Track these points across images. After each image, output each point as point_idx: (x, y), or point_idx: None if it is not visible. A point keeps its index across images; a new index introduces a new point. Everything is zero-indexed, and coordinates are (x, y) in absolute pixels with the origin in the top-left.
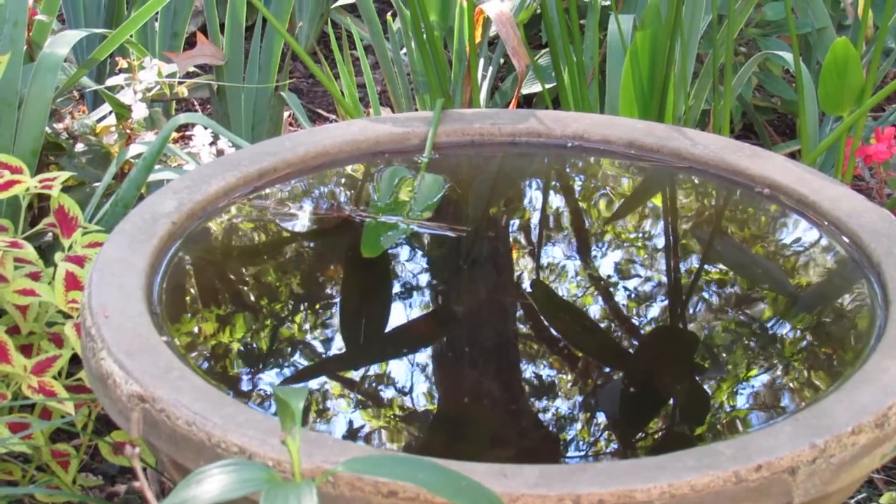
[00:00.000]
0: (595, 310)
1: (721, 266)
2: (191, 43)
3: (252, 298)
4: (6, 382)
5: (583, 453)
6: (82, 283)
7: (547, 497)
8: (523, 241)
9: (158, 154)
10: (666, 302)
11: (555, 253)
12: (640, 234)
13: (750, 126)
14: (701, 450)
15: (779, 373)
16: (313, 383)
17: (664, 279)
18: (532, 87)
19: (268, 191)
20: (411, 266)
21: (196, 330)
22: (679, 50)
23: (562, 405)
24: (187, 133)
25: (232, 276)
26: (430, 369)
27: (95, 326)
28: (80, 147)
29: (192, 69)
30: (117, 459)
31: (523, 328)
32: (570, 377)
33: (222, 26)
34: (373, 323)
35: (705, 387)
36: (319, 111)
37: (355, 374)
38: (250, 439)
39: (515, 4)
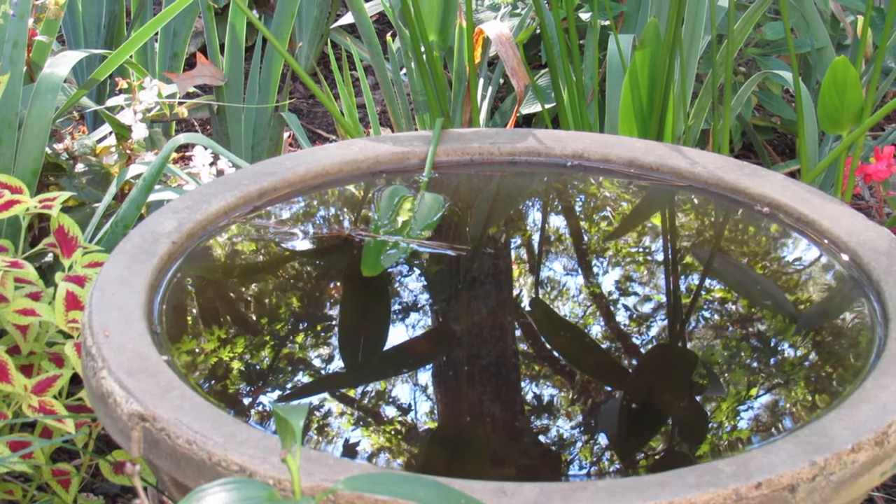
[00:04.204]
0: (595, 328)
1: (721, 284)
2: (191, 63)
3: (252, 317)
4: (7, 402)
5: (583, 471)
6: (83, 303)
7: None
8: (523, 259)
9: (158, 174)
10: (666, 320)
11: (554, 271)
12: (640, 253)
13: (749, 145)
14: (701, 467)
15: (779, 390)
16: (313, 401)
17: (664, 298)
18: (532, 107)
19: (268, 210)
20: (411, 285)
21: (196, 349)
22: (678, 69)
23: (562, 423)
24: (187, 153)
25: (232, 296)
26: (430, 388)
27: (96, 346)
28: (80, 167)
29: (192, 89)
30: (118, 478)
31: (523, 346)
32: (570, 395)
33: (222, 47)
34: (373, 341)
35: (705, 405)
36: (319, 131)
37: (355, 393)
38: (251, 458)
39: (515, 24)
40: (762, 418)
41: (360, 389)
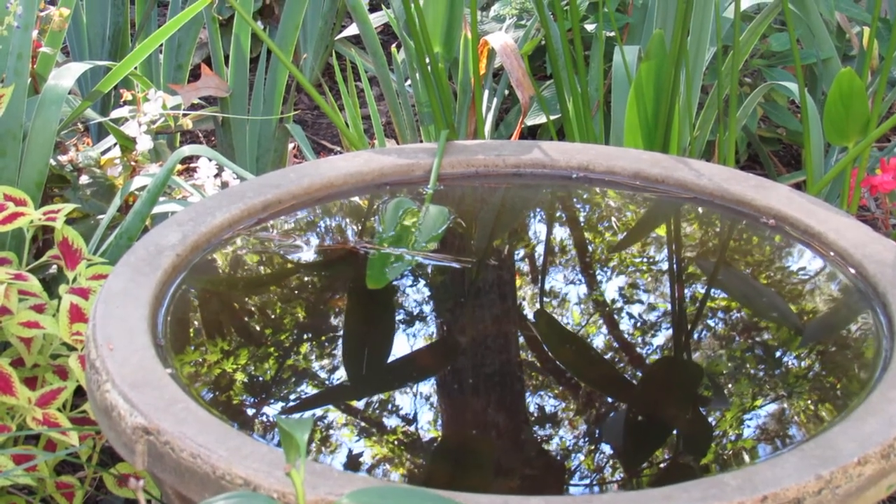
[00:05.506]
0: (600, 340)
1: (726, 296)
2: (195, 75)
3: (256, 330)
4: (11, 414)
5: (588, 484)
6: (87, 316)
7: None
8: (527, 271)
9: (163, 186)
10: (671, 332)
11: (559, 283)
12: (646, 265)
13: (755, 157)
14: (706, 481)
15: (784, 403)
16: (318, 414)
17: (669, 309)
18: (537, 119)
19: (272, 223)
20: (416, 297)
21: (200, 362)
22: (684, 81)
23: (567, 435)
24: (192, 165)
25: (236, 308)
26: (434, 400)
27: (100, 359)
28: (84, 179)
29: (196, 101)
30: (122, 491)
31: (527, 358)
32: (574, 407)
33: (227, 58)
34: (377, 354)
35: (710, 417)
36: (324, 143)
37: (360, 405)
38: (255, 471)
39: (520, 36)
40: (767, 431)
41: (364, 401)
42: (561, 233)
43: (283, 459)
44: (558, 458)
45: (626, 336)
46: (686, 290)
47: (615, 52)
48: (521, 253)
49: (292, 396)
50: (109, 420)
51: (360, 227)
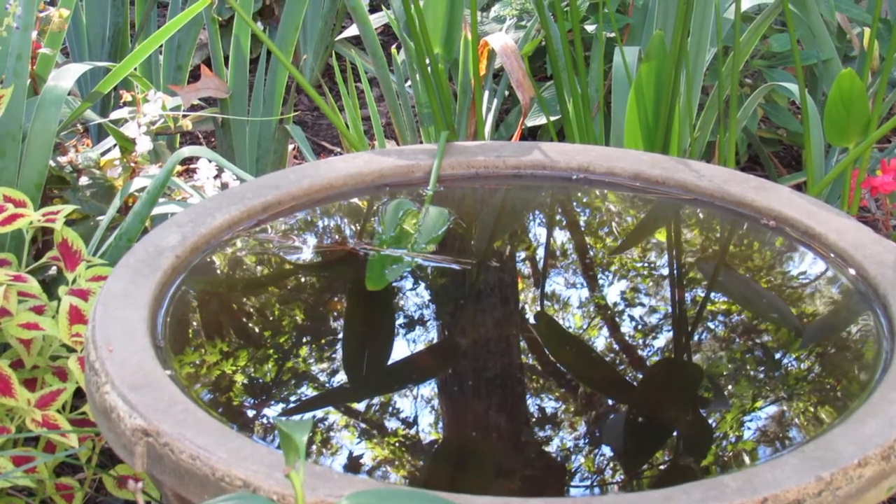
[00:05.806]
0: (600, 342)
1: (727, 298)
2: (195, 76)
3: (256, 332)
4: (10, 416)
5: (588, 485)
6: (86, 317)
7: None
8: (528, 273)
9: (162, 187)
10: (671, 334)
11: (559, 285)
12: (646, 267)
13: (755, 158)
14: (707, 482)
15: (784, 405)
16: (318, 415)
17: (669, 311)
18: (537, 120)
19: (272, 224)
20: (416, 299)
21: (200, 363)
22: (684, 82)
23: (567, 437)
24: (192, 166)
25: (236, 310)
26: (434, 401)
27: (99, 360)
28: (84, 180)
29: (196, 102)
30: (122, 493)
31: (528, 360)
32: (574, 409)
33: (226, 59)
34: (377, 355)
35: (710, 419)
36: (324, 144)
37: (360, 407)
38: (255, 473)
39: (520, 37)
40: (768, 433)
41: (364, 403)
42: (561, 234)
43: (283, 461)
44: (559, 459)
45: (627, 338)
46: (686, 292)
47: (615, 53)
48: (521, 255)
49: (292, 398)
50: (109, 422)
51: (359, 229)
